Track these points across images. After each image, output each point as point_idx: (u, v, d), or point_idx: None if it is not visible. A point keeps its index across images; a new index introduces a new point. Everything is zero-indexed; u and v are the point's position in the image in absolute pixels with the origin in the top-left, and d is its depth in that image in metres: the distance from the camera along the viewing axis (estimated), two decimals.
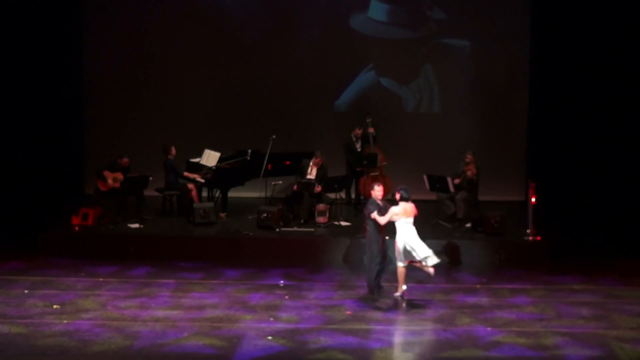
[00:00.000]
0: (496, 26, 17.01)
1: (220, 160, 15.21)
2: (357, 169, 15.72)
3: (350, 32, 17.20)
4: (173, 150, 15.08)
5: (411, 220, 11.21)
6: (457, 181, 14.50)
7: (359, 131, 15.70)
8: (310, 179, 14.75)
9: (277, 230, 14.07)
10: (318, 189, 14.63)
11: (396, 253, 11.23)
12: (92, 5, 17.36)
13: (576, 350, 9.57)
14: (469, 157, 14.63)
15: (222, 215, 14.83)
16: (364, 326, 10.31)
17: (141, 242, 13.77)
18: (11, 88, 16.49)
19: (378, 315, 10.73)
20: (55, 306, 10.89)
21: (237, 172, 15.29)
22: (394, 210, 11.15)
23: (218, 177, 15.12)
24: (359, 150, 15.72)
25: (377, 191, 11.40)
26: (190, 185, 15.02)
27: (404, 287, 11.23)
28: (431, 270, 11.16)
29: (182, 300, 11.26)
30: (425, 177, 14.70)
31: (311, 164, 14.91)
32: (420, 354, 9.50)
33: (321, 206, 14.52)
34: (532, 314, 10.80)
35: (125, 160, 14.94)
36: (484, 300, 11.40)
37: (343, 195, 15.67)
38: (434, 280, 12.32)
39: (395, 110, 17.29)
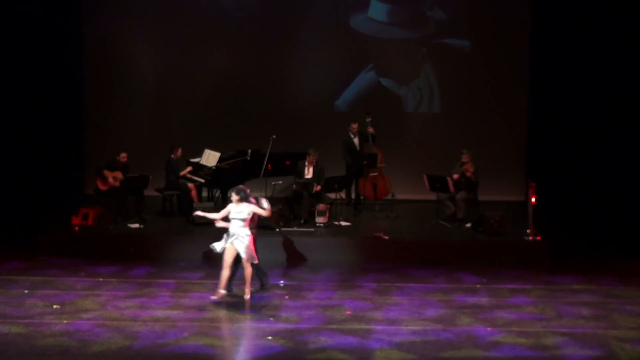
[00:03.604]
0: (496, 26, 17.02)
1: (220, 160, 15.22)
2: (357, 168, 15.73)
3: (350, 32, 17.20)
4: (179, 152, 15.10)
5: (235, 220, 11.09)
6: (455, 177, 14.53)
7: (354, 125, 15.72)
8: (308, 179, 14.77)
9: (277, 230, 14.08)
10: (317, 188, 14.64)
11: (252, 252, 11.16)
12: (91, 5, 17.37)
13: (576, 350, 9.57)
14: (465, 158, 14.66)
15: None
16: (364, 326, 10.31)
17: (141, 242, 13.77)
18: (10, 88, 16.48)
19: (378, 315, 10.73)
20: (55, 306, 10.89)
21: (237, 172, 15.29)
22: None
23: (218, 177, 15.12)
24: (357, 147, 15.72)
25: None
26: (190, 185, 15.04)
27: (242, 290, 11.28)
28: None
29: (182, 300, 11.26)
30: (425, 177, 14.72)
31: (306, 163, 14.92)
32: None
33: (321, 206, 14.53)
34: (532, 314, 10.80)
35: (124, 155, 14.93)
36: (484, 300, 11.40)
37: (343, 195, 15.69)
38: (434, 281, 12.34)
39: (395, 110, 17.31)
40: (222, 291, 11.13)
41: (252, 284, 11.33)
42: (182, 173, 15.21)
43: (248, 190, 11.23)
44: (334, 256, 13.53)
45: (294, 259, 13.43)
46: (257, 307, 11.02)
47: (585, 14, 16.12)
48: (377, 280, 12.30)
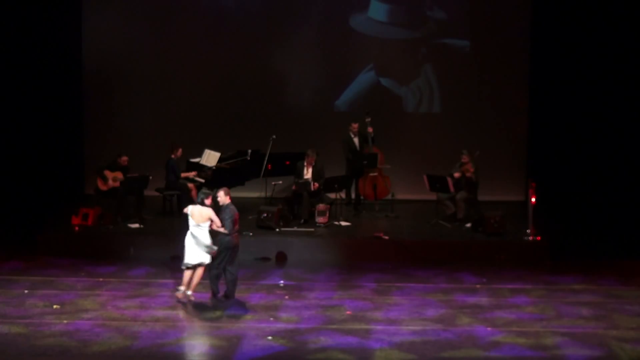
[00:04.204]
0: (496, 26, 17.01)
1: (220, 160, 15.21)
2: (357, 168, 15.72)
3: (350, 32, 17.19)
4: (179, 152, 15.10)
5: (200, 224, 11.00)
6: (457, 175, 14.53)
7: (355, 125, 15.72)
8: (307, 179, 14.77)
9: (277, 230, 14.07)
10: (315, 185, 14.65)
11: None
12: (91, 5, 17.37)
13: (576, 350, 9.58)
14: (464, 158, 14.66)
15: None
16: (364, 326, 10.31)
17: (141, 242, 13.77)
18: (10, 88, 16.49)
19: (378, 315, 10.73)
20: (55, 306, 10.89)
21: (237, 172, 15.29)
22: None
23: (218, 177, 15.11)
24: (357, 147, 15.72)
25: (221, 197, 11.16)
26: (190, 185, 15.03)
27: (189, 291, 11.15)
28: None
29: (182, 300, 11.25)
30: (425, 177, 14.72)
31: (305, 164, 14.92)
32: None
33: (321, 206, 14.53)
34: (532, 314, 10.80)
35: (125, 158, 14.97)
36: (484, 300, 11.41)
37: (343, 195, 15.68)
38: (434, 281, 12.33)
39: (395, 110, 17.30)
40: (189, 292, 11.14)
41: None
42: (183, 175, 15.20)
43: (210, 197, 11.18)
44: (334, 256, 13.53)
45: (295, 259, 13.41)
46: (256, 307, 11.03)
47: (585, 13, 16.12)
48: (377, 280, 12.30)
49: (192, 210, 11.08)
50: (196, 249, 11.00)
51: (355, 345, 9.69)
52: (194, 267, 11.07)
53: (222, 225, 10.96)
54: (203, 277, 11.21)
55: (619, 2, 15.87)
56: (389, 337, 9.91)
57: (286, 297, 11.47)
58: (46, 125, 16.90)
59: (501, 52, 17.05)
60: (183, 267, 11.13)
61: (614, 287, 12.02)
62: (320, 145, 15.58)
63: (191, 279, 11.13)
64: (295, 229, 14.26)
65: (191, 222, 11.05)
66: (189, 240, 11.06)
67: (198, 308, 11.00)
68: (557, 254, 13.44)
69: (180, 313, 10.80)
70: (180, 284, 11.21)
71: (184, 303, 11.03)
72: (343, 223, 14.66)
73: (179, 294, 11.09)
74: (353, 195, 16.09)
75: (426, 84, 17.33)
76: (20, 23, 16.45)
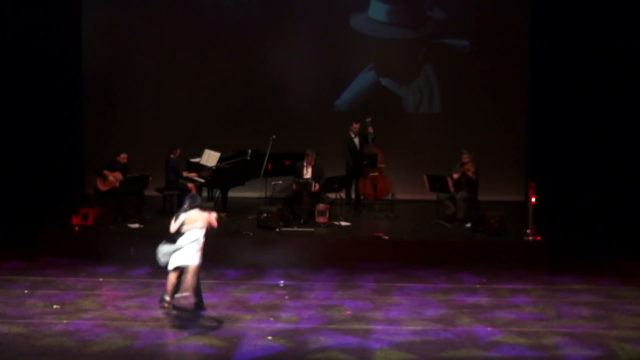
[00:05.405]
0: (496, 26, 17.03)
1: (220, 160, 15.22)
2: (357, 168, 15.73)
3: (350, 32, 17.21)
4: (177, 151, 15.10)
5: (196, 226, 10.69)
6: (456, 176, 14.53)
7: (356, 125, 15.73)
8: (307, 179, 14.78)
9: (277, 230, 14.08)
10: (316, 187, 14.65)
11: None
12: (91, 4, 17.37)
13: (576, 350, 9.58)
14: (465, 157, 14.66)
15: (222, 215, 14.82)
16: (364, 326, 10.31)
17: (141, 242, 13.76)
18: (10, 88, 16.50)
19: (378, 315, 10.73)
20: (55, 306, 10.89)
21: (237, 172, 15.30)
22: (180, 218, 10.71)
23: (218, 177, 15.12)
24: (358, 147, 15.73)
25: None
26: (190, 185, 15.04)
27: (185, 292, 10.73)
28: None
29: (182, 300, 11.23)
30: (425, 177, 14.72)
31: (305, 164, 14.93)
32: None
33: (321, 206, 14.54)
34: (532, 314, 10.80)
35: (124, 156, 14.93)
36: (484, 300, 11.40)
37: (343, 195, 15.68)
38: (434, 281, 12.34)
39: (395, 110, 17.31)
40: (185, 293, 10.73)
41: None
42: (185, 174, 15.21)
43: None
44: (334, 256, 13.52)
45: (294, 259, 13.41)
46: (256, 307, 11.03)
47: (585, 14, 16.12)
48: (377, 280, 12.30)
49: (187, 215, 10.80)
50: (189, 250, 10.72)
51: (355, 345, 9.69)
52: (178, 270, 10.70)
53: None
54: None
55: (618, 2, 15.86)
56: (389, 337, 9.91)
57: (286, 297, 11.47)
58: (46, 125, 16.91)
59: (501, 52, 17.07)
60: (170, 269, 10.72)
61: (614, 287, 12.02)
62: (320, 145, 15.58)
63: (179, 284, 10.72)
64: (295, 229, 14.26)
65: (188, 227, 10.73)
66: (185, 243, 10.75)
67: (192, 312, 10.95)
68: (557, 254, 13.44)
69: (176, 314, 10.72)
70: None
71: (179, 309, 10.80)
72: (343, 223, 14.66)
73: (166, 304, 10.58)
74: (353, 195, 16.10)
75: (426, 84, 17.34)
76: (20, 23, 16.46)
